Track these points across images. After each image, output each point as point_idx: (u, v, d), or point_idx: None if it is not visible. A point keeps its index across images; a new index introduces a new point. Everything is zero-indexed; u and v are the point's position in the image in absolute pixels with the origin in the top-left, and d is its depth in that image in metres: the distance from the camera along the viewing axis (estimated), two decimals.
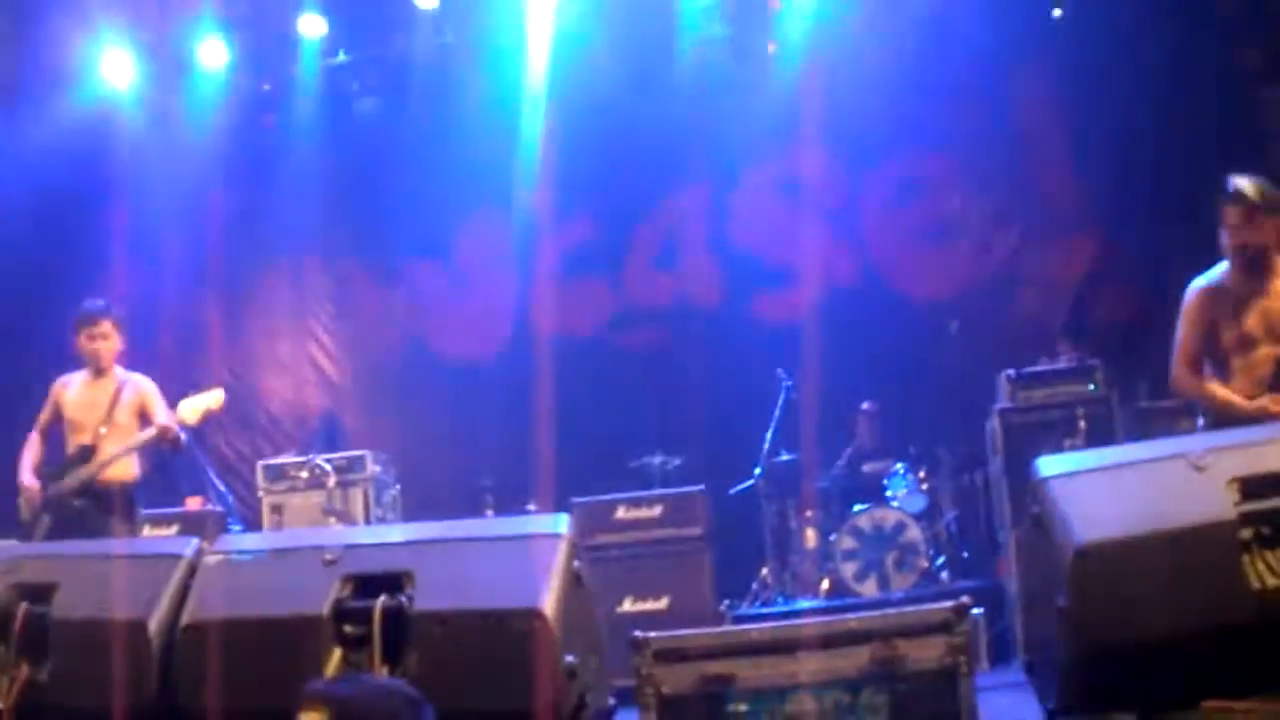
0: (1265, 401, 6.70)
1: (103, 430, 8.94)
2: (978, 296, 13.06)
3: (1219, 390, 6.95)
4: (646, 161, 13.59)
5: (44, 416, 9.29)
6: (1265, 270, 6.93)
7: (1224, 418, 6.82)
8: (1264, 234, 6.88)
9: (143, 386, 9.14)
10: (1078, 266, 13.03)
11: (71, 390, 9.23)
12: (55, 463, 9.04)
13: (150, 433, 8.81)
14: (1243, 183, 6.97)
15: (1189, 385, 7.12)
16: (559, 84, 13.48)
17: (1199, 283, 7.13)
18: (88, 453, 8.91)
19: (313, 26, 13.70)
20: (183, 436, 8.80)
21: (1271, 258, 6.94)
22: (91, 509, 8.78)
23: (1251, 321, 6.91)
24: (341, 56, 14.08)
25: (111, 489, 8.87)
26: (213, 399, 8.78)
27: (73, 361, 9.07)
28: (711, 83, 13.65)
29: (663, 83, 13.53)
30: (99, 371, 9.15)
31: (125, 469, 8.96)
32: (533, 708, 4.42)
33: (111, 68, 13.56)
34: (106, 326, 9.11)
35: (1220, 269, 7.07)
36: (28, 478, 8.99)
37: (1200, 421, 7.37)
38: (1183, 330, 7.11)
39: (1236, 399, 6.83)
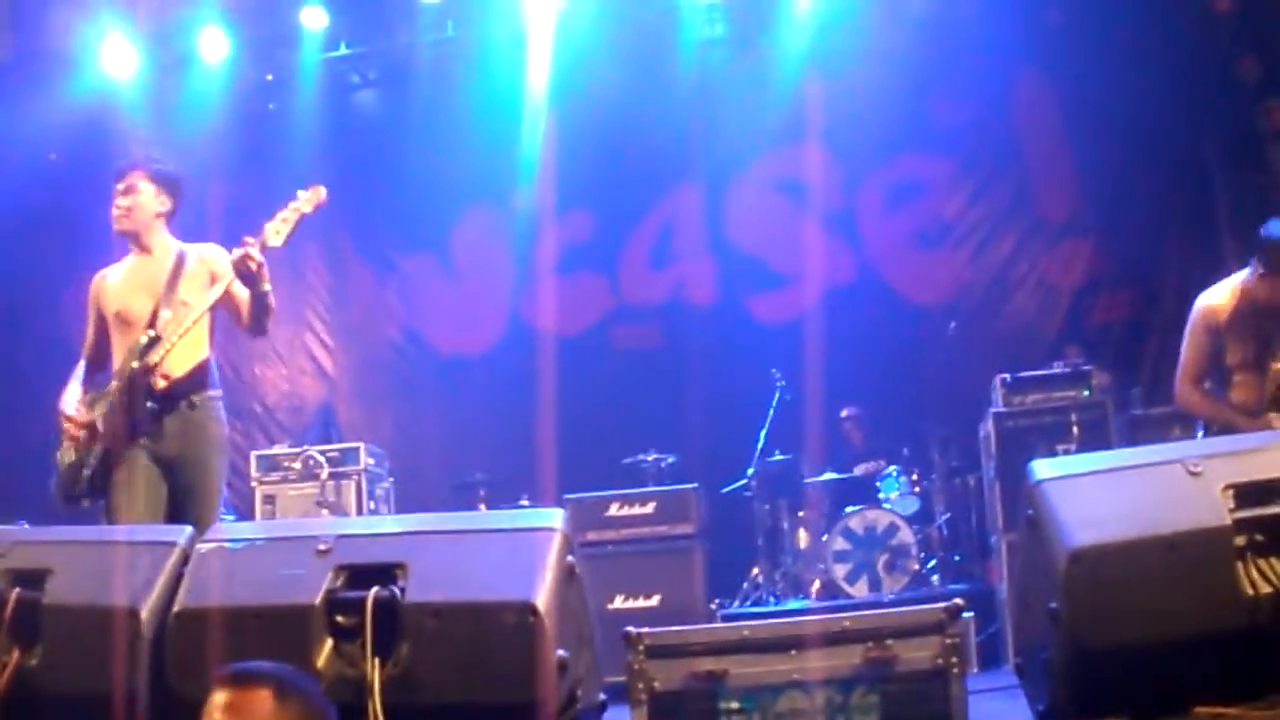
0: (1271, 418, 6.77)
1: (165, 314, 6.91)
2: (974, 300, 13.08)
3: (1224, 408, 7.01)
4: (646, 159, 13.60)
5: (90, 333, 7.31)
6: None
7: (1223, 431, 6.84)
8: None
9: (209, 251, 7.09)
10: (1075, 271, 13.04)
11: (114, 279, 7.30)
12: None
13: (220, 287, 6.84)
14: None
15: (1193, 402, 7.21)
16: (559, 81, 13.50)
17: (1206, 299, 7.17)
18: (151, 345, 6.86)
19: (314, 19, 13.71)
20: (263, 265, 6.65)
21: None
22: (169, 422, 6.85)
23: (1260, 341, 6.98)
24: (343, 49, 14.08)
25: (181, 389, 6.91)
26: (307, 200, 6.87)
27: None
28: (711, 82, 13.67)
29: (663, 81, 13.55)
30: (143, 246, 7.22)
31: (196, 354, 7.00)
32: (525, 701, 4.42)
33: (112, 57, 13.55)
34: (136, 179, 7.20)
35: (1228, 284, 7.10)
36: (72, 406, 7.01)
37: (1201, 435, 7.39)
38: (1188, 346, 7.22)
39: (1241, 417, 6.88)
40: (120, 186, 7.21)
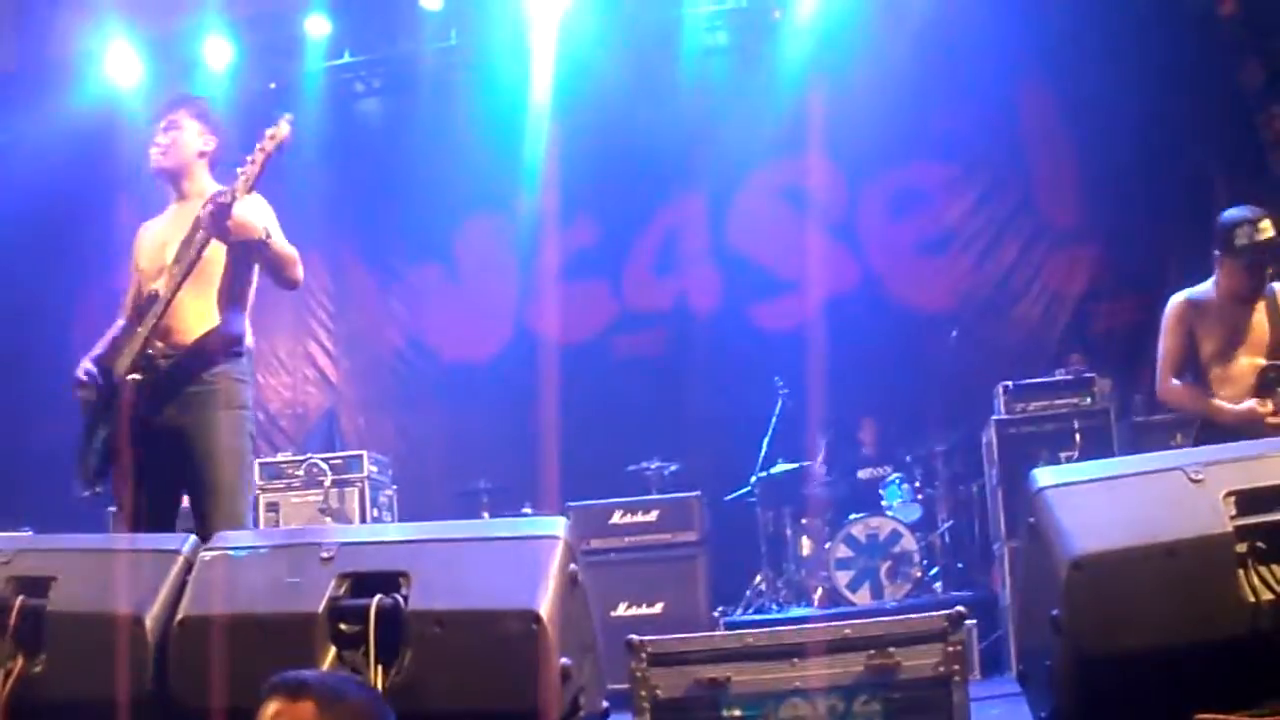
0: (1253, 404, 7.01)
1: (174, 270, 6.28)
2: (977, 307, 13.09)
3: (1205, 398, 7.25)
4: (648, 167, 13.62)
5: (130, 289, 6.75)
6: (1260, 285, 7.24)
7: (1211, 423, 7.19)
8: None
9: (257, 204, 6.43)
10: (1078, 279, 13.05)
11: (151, 228, 6.77)
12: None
13: (202, 242, 6.18)
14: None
15: (1175, 394, 7.46)
16: (562, 89, 13.52)
17: (1179, 296, 7.52)
18: (149, 304, 6.31)
19: (318, 26, 13.72)
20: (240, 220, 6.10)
21: (1266, 275, 7.22)
22: (172, 395, 6.28)
23: (1232, 332, 7.25)
24: (346, 57, 14.10)
25: (187, 357, 6.30)
26: (270, 138, 6.24)
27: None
28: (713, 90, 13.69)
29: (665, 90, 13.57)
30: (181, 192, 6.69)
31: (206, 318, 6.37)
32: (527, 709, 4.43)
33: (116, 65, 13.57)
34: (179, 116, 6.69)
35: (1206, 286, 7.40)
36: (84, 367, 6.49)
37: (1188, 434, 7.55)
38: (1164, 341, 7.47)
39: (1224, 404, 7.13)
40: (161, 125, 6.66)
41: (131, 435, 6.32)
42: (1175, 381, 7.42)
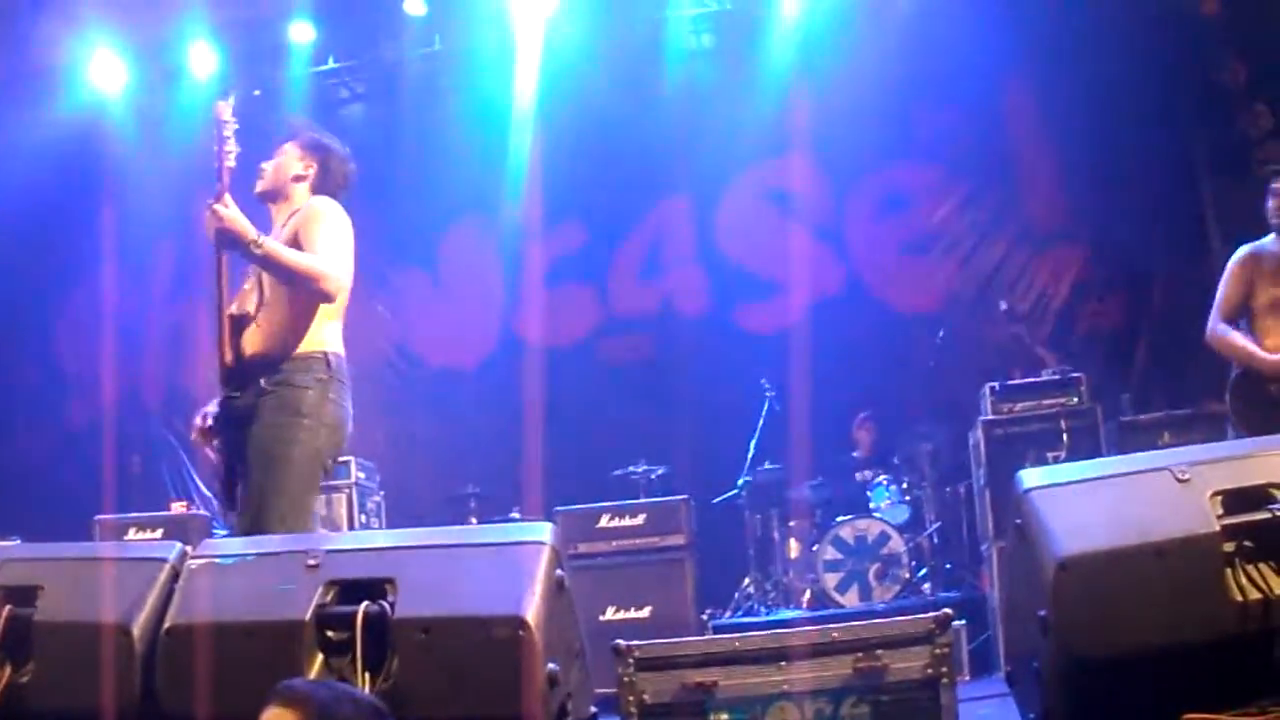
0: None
1: (250, 292, 6.46)
2: (963, 308, 13.09)
3: (1243, 343, 7.72)
4: (633, 171, 13.61)
5: None
6: None
7: (1247, 369, 7.69)
8: None
9: (307, 210, 6.46)
10: (1063, 279, 13.06)
11: None
12: None
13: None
14: None
15: (1220, 337, 7.85)
16: (547, 93, 13.52)
17: (1245, 248, 7.93)
18: (240, 324, 6.38)
19: (302, 33, 13.72)
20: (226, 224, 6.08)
21: None
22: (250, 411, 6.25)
23: None
24: (330, 63, 14.09)
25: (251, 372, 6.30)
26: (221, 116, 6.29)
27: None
28: (698, 93, 13.69)
29: (650, 93, 13.56)
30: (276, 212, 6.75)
31: (278, 338, 6.32)
32: (514, 715, 4.43)
33: (101, 72, 13.56)
34: (284, 145, 6.77)
35: (1269, 239, 7.88)
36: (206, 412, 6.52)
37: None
38: (1224, 288, 7.88)
39: (1259, 351, 7.64)
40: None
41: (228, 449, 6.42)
42: (1224, 326, 7.80)
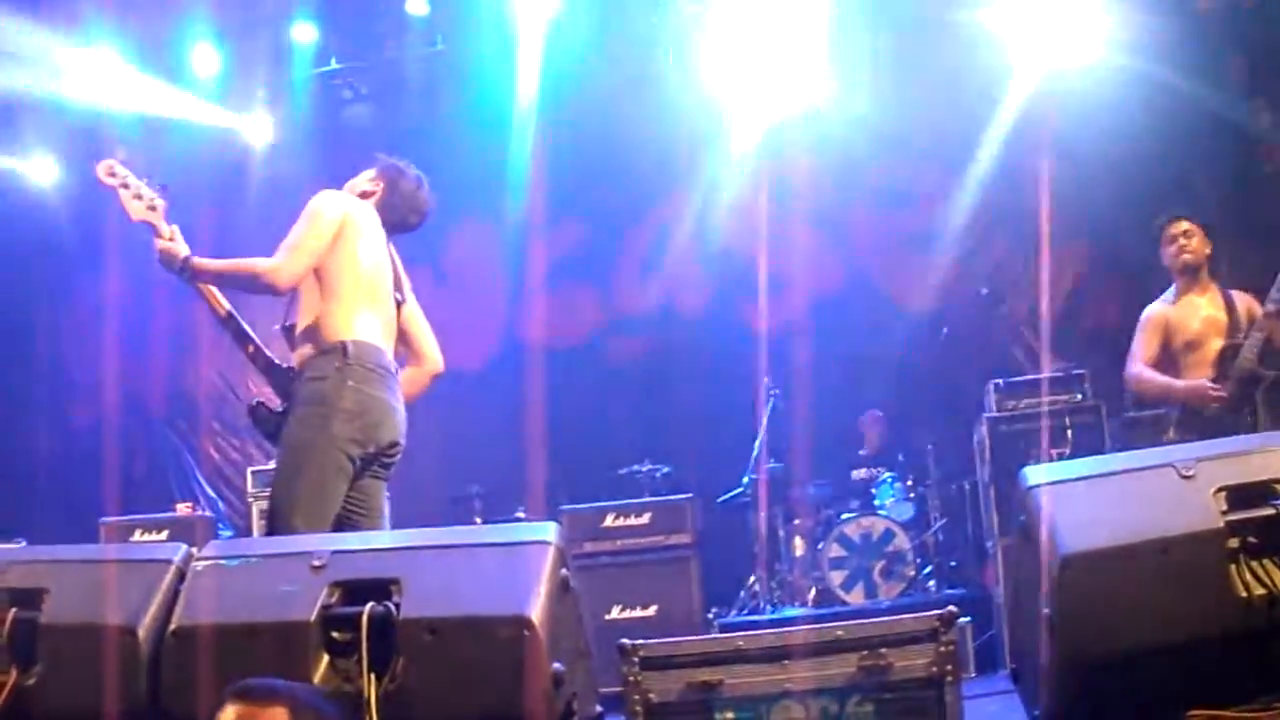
0: (1201, 381, 8.20)
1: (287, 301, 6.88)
2: (966, 305, 13.07)
3: (1161, 378, 8.43)
4: (636, 169, 13.59)
5: None
6: (1201, 279, 8.56)
7: (1165, 401, 8.47)
8: (1202, 248, 8.57)
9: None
10: (1066, 276, 13.05)
11: None
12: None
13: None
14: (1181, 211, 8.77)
15: (1137, 376, 8.61)
16: (549, 92, 13.49)
17: (1154, 305, 8.73)
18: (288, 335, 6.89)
19: (305, 34, 13.71)
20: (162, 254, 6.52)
21: (1205, 270, 8.58)
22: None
23: (1199, 324, 8.42)
24: (333, 64, 14.08)
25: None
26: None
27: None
28: (699, 92, 13.65)
29: (652, 91, 13.53)
30: None
31: (306, 338, 6.72)
32: (520, 715, 4.43)
33: (103, 73, 13.55)
34: (364, 171, 7.41)
35: (1169, 293, 8.71)
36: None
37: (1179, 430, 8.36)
38: (1141, 338, 8.64)
39: (1174, 381, 8.37)
40: None
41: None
42: (1140, 366, 8.55)
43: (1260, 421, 7.97)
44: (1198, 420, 8.13)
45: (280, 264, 6.48)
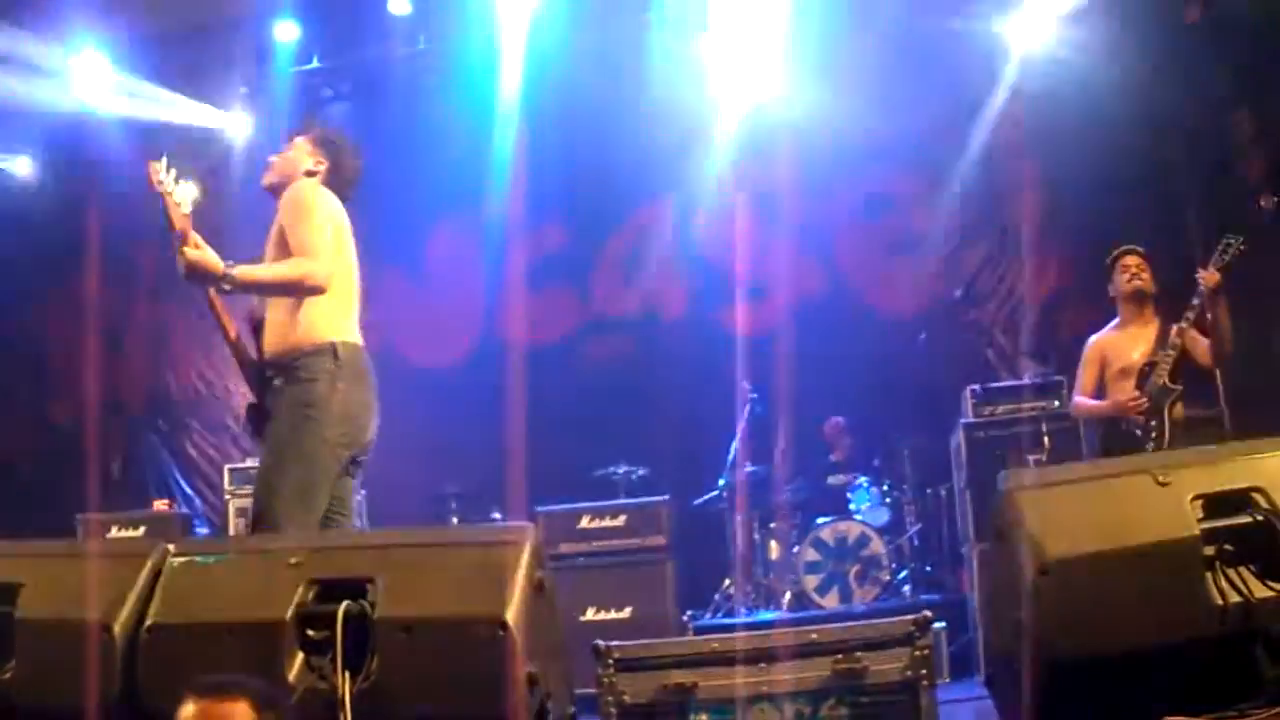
0: (1120, 398, 8.58)
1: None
2: (944, 312, 13.08)
3: (1099, 402, 8.79)
4: (618, 172, 13.57)
5: None
6: (1145, 312, 8.86)
7: (1091, 422, 9.00)
8: (1151, 281, 8.90)
9: (289, 202, 6.57)
10: (1044, 284, 13.07)
11: None
12: None
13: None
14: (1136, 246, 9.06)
15: (1079, 404, 9.01)
16: (531, 93, 13.48)
17: (1096, 335, 9.06)
18: (256, 327, 6.64)
19: (286, 32, 13.70)
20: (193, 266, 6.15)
21: (1150, 303, 8.90)
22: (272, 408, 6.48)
23: (1136, 353, 8.71)
24: (315, 62, 14.06)
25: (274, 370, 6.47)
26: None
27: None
28: (682, 95, 13.64)
29: (635, 93, 13.51)
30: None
31: (286, 335, 6.47)
32: (494, 715, 4.43)
33: (86, 70, 13.52)
34: (296, 138, 6.95)
35: (1113, 324, 9.02)
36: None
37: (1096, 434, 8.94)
38: (1080, 371, 9.01)
39: (1098, 403, 8.79)
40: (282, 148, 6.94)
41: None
42: (1080, 397, 8.97)
43: (1165, 432, 8.34)
44: (1118, 436, 8.56)
45: (315, 269, 6.33)
